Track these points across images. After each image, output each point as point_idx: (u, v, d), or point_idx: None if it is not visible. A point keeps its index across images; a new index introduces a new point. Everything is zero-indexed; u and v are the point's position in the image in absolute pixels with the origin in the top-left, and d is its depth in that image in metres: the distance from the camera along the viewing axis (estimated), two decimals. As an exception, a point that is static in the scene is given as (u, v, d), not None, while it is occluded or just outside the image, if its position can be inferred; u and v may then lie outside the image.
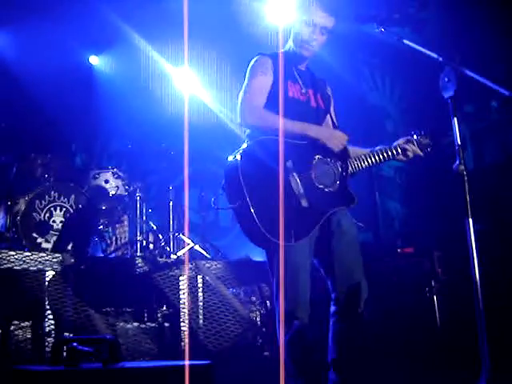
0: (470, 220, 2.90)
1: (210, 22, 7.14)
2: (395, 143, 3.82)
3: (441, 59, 3.06)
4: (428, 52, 3.12)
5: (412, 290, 5.95)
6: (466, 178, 2.92)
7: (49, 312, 5.15)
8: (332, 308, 3.58)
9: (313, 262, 3.56)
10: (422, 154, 3.81)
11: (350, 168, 3.63)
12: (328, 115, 3.86)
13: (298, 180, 3.42)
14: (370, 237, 6.99)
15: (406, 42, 3.25)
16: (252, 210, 3.28)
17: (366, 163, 3.69)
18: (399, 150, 3.78)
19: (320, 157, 3.56)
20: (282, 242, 3.29)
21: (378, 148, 3.78)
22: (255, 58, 3.71)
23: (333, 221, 3.55)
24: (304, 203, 3.40)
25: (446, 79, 3.02)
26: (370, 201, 7.46)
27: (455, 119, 3.00)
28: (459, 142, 2.98)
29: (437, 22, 6.68)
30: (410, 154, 3.79)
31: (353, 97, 7.19)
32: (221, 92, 7.47)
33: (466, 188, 2.92)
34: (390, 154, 3.76)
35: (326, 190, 3.52)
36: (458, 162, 2.97)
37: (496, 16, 6.08)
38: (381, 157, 3.73)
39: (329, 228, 3.55)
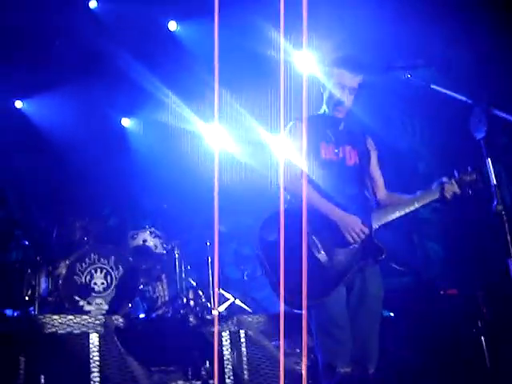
0: (513, 260, 2.87)
1: (238, 74, 7.25)
2: (433, 186, 3.79)
3: (470, 101, 3.07)
4: (457, 95, 3.13)
5: (458, 331, 5.86)
6: (505, 218, 2.90)
7: (95, 375, 5.16)
8: None
9: None
10: (459, 192, 3.73)
11: (380, 220, 3.65)
12: (369, 170, 3.92)
13: (317, 242, 3.54)
14: (411, 280, 6.91)
15: (433, 86, 3.27)
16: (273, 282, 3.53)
17: (402, 212, 3.70)
18: (437, 194, 3.74)
19: None
20: (304, 311, 3.49)
21: (416, 194, 3.78)
22: (290, 124, 3.83)
23: (359, 277, 3.64)
24: (326, 263, 3.51)
25: (477, 120, 3.02)
26: (408, 243, 7.39)
27: (489, 160, 2.99)
28: (495, 182, 2.97)
29: (463, 60, 6.69)
30: (447, 195, 3.72)
31: (383, 142, 7.22)
32: (252, 146, 7.53)
33: (506, 228, 2.90)
34: (427, 198, 3.75)
35: (350, 247, 3.58)
36: (495, 203, 2.95)
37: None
38: (418, 203, 3.72)
39: (354, 284, 3.64)
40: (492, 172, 3.01)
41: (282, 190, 3.65)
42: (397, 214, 3.68)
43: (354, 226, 3.56)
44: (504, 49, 6.24)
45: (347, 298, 3.62)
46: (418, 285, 6.84)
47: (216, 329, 5.54)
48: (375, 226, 3.64)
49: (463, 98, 3.10)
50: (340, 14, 6.85)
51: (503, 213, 2.92)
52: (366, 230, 3.58)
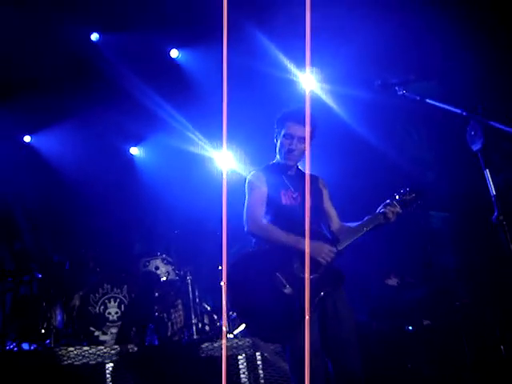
0: (519, 270, 2.86)
1: (247, 99, 7.27)
2: (377, 210, 4.06)
3: (465, 114, 3.07)
4: (451, 108, 3.14)
5: (477, 341, 5.83)
6: (506, 228, 2.89)
7: (112, 404, 5.17)
8: None
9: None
10: (401, 211, 4.02)
11: (337, 248, 3.89)
12: (323, 207, 4.20)
13: (281, 278, 3.75)
14: (425, 292, 6.86)
15: (428, 101, 3.28)
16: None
17: (354, 238, 3.96)
18: (381, 217, 4.01)
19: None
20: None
21: (363, 220, 4.04)
22: (251, 174, 4.12)
23: (328, 304, 3.84)
24: (292, 295, 3.71)
25: (473, 133, 3.02)
26: (422, 255, 7.35)
27: (487, 171, 2.99)
28: (494, 193, 2.96)
29: (461, 71, 6.69)
30: (390, 216, 4.00)
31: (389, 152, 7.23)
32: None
33: (508, 238, 2.89)
34: (373, 222, 4.01)
35: (311, 276, 3.75)
36: (496, 213, 2.94)
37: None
38: (366, 228, 3.99)
39: (325, 311, 3.84)
40: (491, 183, 3.00)
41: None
42: (350, 241, 3.94)
43: (322, 248, 3.80)
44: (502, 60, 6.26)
45: (322, 322, 3.80)
46: (433, 296, 6.79)
47: (224, 348, 5.52)
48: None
49: (458, 111, 3.10)
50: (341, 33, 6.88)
51: (504, 223, 2.91)
52: (334, 249, 3.83)
